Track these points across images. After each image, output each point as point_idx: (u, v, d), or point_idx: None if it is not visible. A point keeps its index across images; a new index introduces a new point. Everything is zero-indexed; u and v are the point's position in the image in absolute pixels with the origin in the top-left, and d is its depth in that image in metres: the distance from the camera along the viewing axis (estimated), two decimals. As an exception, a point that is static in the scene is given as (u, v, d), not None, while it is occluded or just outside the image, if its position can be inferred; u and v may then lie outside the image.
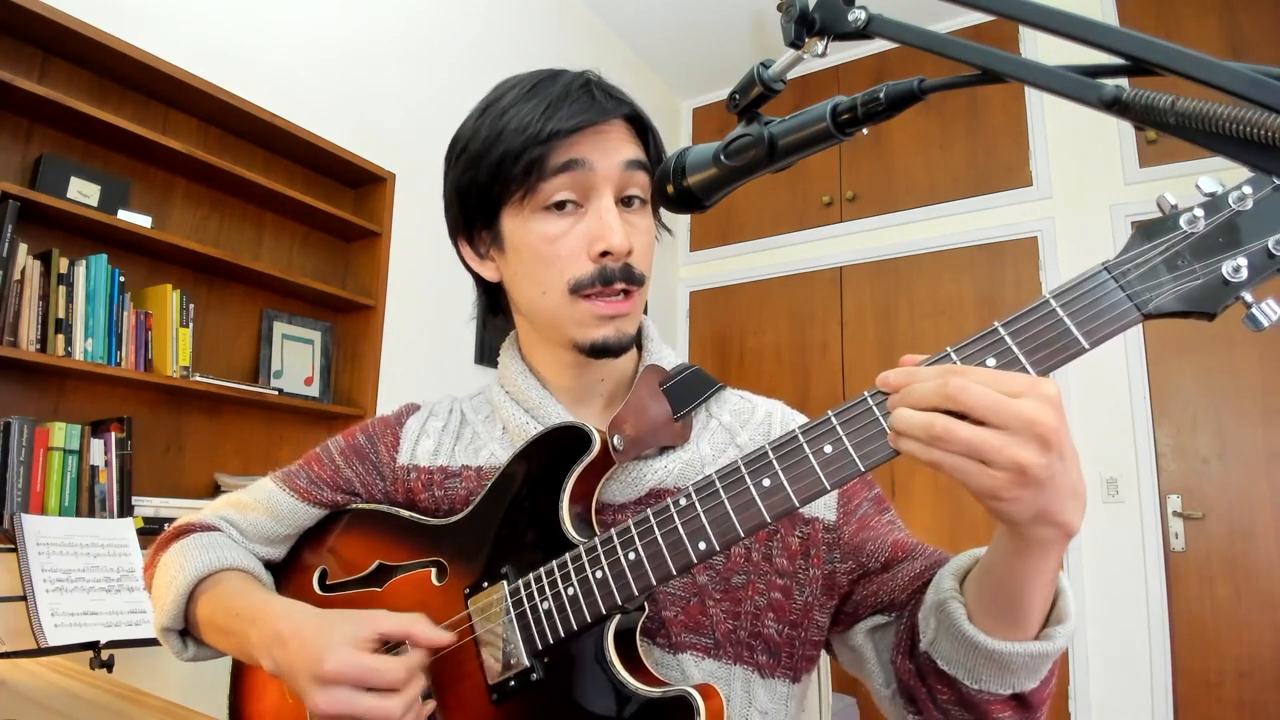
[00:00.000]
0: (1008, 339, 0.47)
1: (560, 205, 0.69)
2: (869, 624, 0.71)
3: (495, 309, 0.82)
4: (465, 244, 0.79)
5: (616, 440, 0.68)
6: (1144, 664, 2.78)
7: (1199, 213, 0.44)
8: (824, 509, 0.72)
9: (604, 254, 0.68)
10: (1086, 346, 0.46)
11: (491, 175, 0.70)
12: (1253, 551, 2.71)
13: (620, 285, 0.69)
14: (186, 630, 0.78)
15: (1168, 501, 2.87)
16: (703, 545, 0.57)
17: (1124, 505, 2.91)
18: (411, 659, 0.62)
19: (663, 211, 0.77)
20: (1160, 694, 2.73)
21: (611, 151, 0.70)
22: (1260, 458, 2.75)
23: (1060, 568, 0.55)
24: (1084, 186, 3.18)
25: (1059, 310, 0.46)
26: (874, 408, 0.51)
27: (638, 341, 0.81)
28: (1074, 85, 0.37)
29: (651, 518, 0.60)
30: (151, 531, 1.79)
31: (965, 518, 3.18)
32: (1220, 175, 0.44)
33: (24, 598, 1.42)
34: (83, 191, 1.80)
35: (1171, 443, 2.91)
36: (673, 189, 0.54)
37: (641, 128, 0.75)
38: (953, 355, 0.49)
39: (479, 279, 0.81)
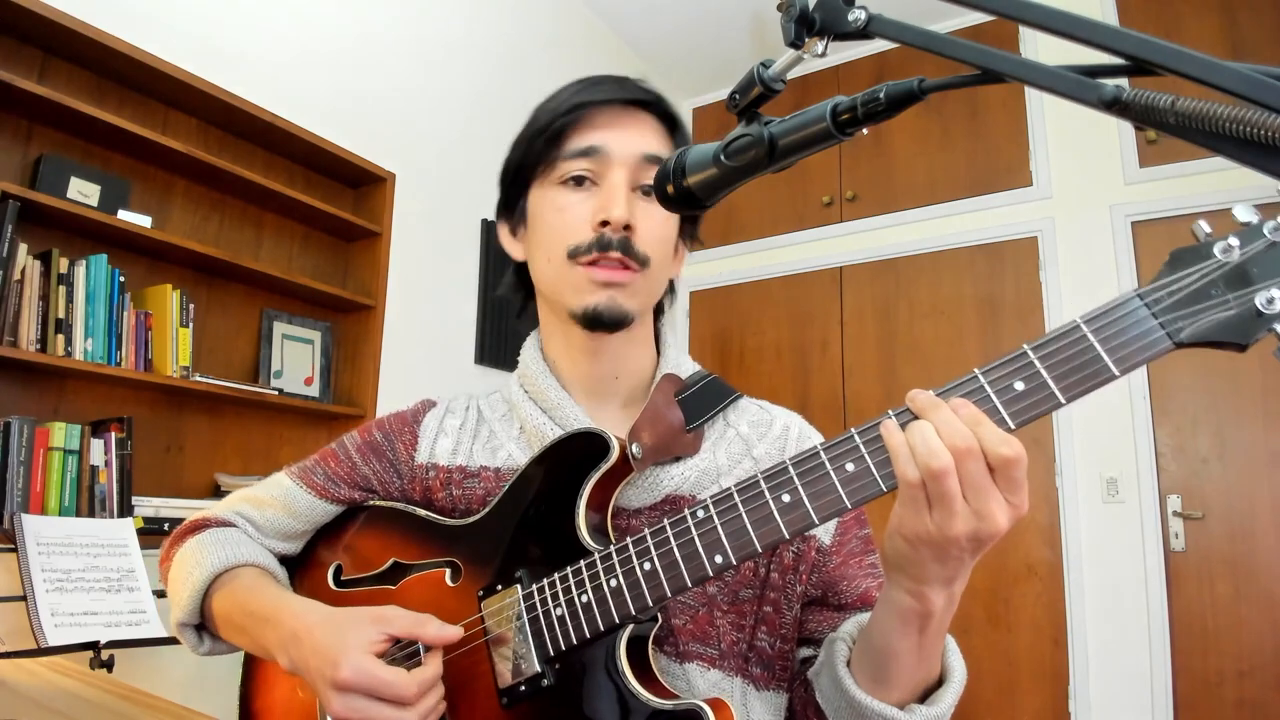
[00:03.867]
0: (1036, 363, 0.47)
1: (578, 181, 0.73)
2: (799, 654, 0.74)
3: (526, 293, 0.84)
4: (504, 223, 0.83)
5: (635, 448, 0.68)
6: (1144, 664, 2.78)
7: (1234, 242, 0.44)
8: (823, 531, 0.74)
9: (604, 224, 0.70)
10: (1117, 374, 0.45)
11: (524, 152, 0.76)
12: (1253, 551, 2.71)
13: (616, 255, 0.71)
14: (202, 625, 0.78)
15: (1168, 501, 2.87)
16: (719, 558, 0.56)
17: (1124, 505, 2.91)
18: (425, 673, 0.62)
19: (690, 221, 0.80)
20: (1160, 694, 2.73)
21: (631, 141, 0.73)
22: (1260, 458, 2.75)
23: (933, 657, 0.58)
24: (1084, 186, 3.18)
25: (1089, 335, 0.46)
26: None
27: (656, 347, 0.82)
28: (1074, 85, 0.37)
29: (668, 528, 0.59)
30: (151, 531, 1.79)
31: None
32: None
33: (24, 598, 1.42)
34: (83, 191, 1.80)
35: (1171, 443, 2.91)
36: (673, 189, 0.54)
37: (672, 126, 0.77)
38: (980, 377, 0.48)
39: (511, 261, 0.84)
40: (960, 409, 0.48)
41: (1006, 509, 0.46)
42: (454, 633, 0.65)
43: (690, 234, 0.83)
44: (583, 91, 0.74)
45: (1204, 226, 0.45)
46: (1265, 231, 0.43)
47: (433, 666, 0.63)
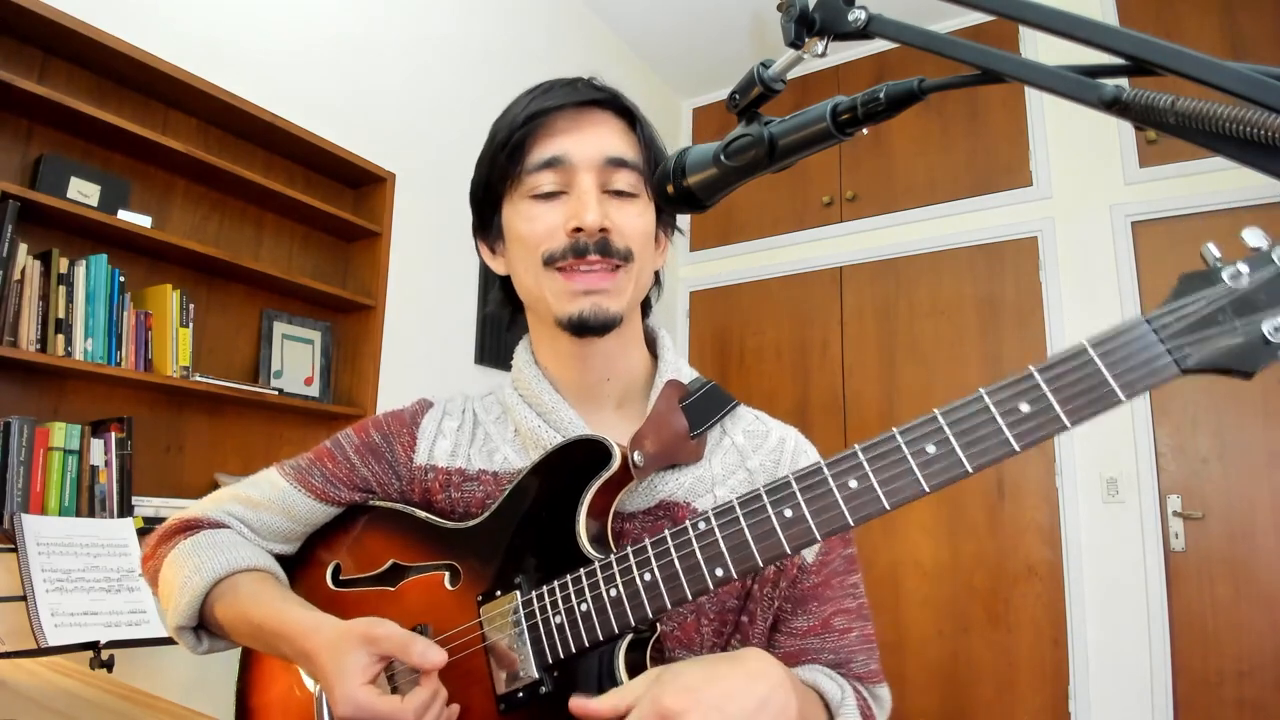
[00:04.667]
0: (1043, 385, 0.47)
1: (547, 195, 0.73)
2: None
3: (514, 304, 0.84)
4: (482, 241, 0.83)
5: (637, 456, 0.68)
6: (1144, 664, 2.78)
7: (1243, 268, 0.43)
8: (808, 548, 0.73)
9: (577, 230, 0.70)
10: (1123, 399, 0.45)
11: (489, 169, 0.76)
12: (1253, 551, 2.71)
13: (594, 258, 0.71)
14: (200, 625, 0.78)
15: (1168, 501, 2.87)
16: (719, 572, 0.56)
17: (1124, 505, 2.91)
18: (420, 696, 0.61)
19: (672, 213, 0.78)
20: (1160, 694, 2.73)
21: (592, 143, 0.73)
22: (1260, 458, 2.75)
23: None
24: (1084, 186, 3.18)
25: (1097, 360, 0.46)
26: (902, 445, 0.50)
27: (653, 351, 0.82)
28: (1074, 85, 0.37)
29: (669, 539, 0.59)
30: (151, 531, 1.78)
31: (964, 518, 3.18)
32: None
33: (24, 598, 1.42)
34: (83, 191, 1.80)
35: (1171, 443, 2.91)
36: (673, 189, 0.53)
37: (631, 121, 0.76)
38: (985, 397, 0.48)
39: (497, 277, 0.84)
40: None
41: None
42: (437, 658, 0.62)
43: (669, 223, 0.83)
44: (535, 100, 0.73)
45: (1213, 250, 0.45)
46: (1274, 258, 0.43)
47: (429, 687, 0.62)
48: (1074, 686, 2.88)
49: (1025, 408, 0.47)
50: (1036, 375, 0.47)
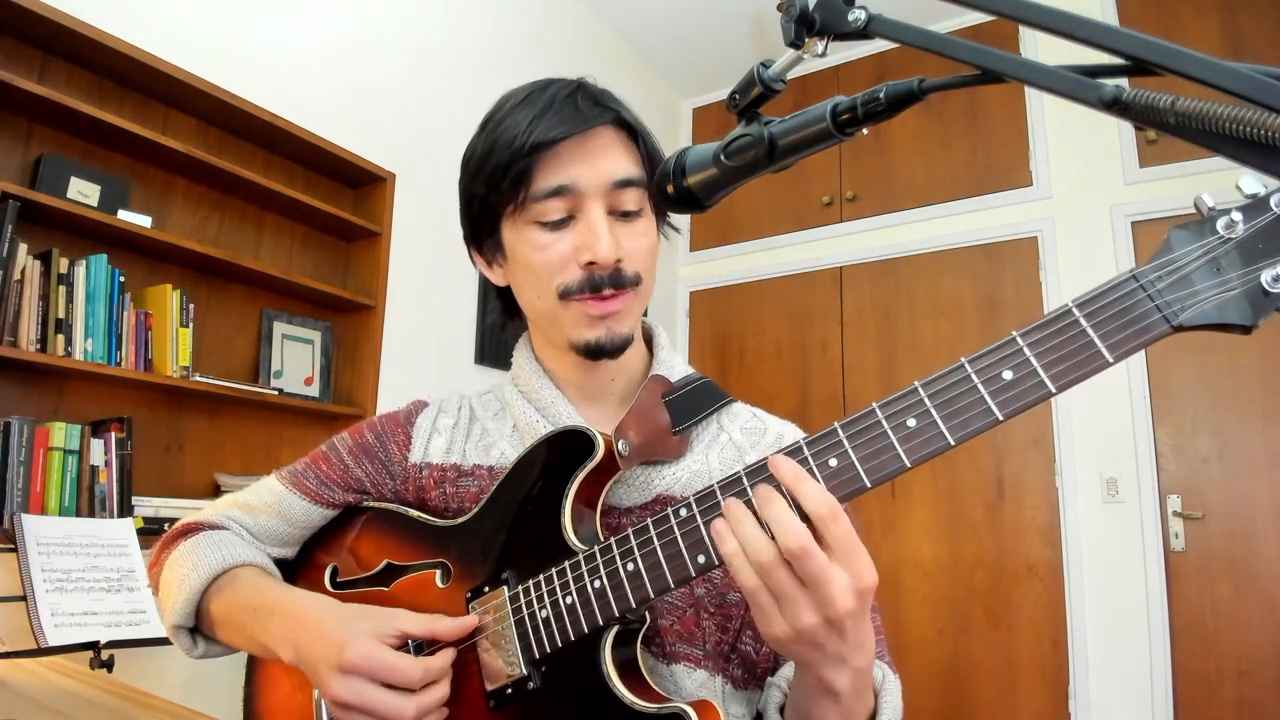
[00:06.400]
0: (1026, 350, 0.45)
1: (555, 223, 0.71)
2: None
3: (511, 312, 0.83)
4: (476, 251, 0.81)
5: (621, 445, 0.67)
6: (1144, 664, 2.78)
7: (1237, 216, 0.41)
8: None
9: (591, 263, 0.69)
10: (1110, 360, 0.43)
11: (487, 187, 0.72)
12: (1253, 551, 2.71)
13: (609, 291, 0.70)
14: (197, 627, 0.78)
15: (1168, 501, 2.87)
16: (701, 559, 0.55)
17: (1124, 505, 2.91)
18: (433, 662, 0.62)
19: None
20: (1160, 694, 2.73)
21: (599, 168, 0.70)
22: (1260, 458, 2.75)
23: (858, 713, 0.56)
24: (1084, 186, 3.18)
25: (1082, 320, 0.44)
26: (882, 420, 0.49)
27: (649, 348, 0.82)
28: (1074, 85, 0.36)
29: (651, 528, 0.59)
30: (152, 532, 1.79)
31: (964, 518, 3.19)
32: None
33: (24, 598, 1.42)
34: (83, 191, 1.80)
35: (1171, 443, 2.91)
36: (673, 189, 0.53)
37: (632, 133, 0.75)
38: (967, 366, 0.47)
39: (494, 287, 0.83)
40: (770, 506, 0.49)
41: (848, 587, 0.48)
42: (469, 622, 0.66)
43: (666, 223, 0.82)
44: (538, 124, 0.69)
45: (1206, 200, 0.42)
46: (1272, 204, 0.40)
47: (442, 658, 0.63)
48: (1074, 686, 2.88)
49: (1008, 374, 0.46)
50: (1019, 340, 0.46)
